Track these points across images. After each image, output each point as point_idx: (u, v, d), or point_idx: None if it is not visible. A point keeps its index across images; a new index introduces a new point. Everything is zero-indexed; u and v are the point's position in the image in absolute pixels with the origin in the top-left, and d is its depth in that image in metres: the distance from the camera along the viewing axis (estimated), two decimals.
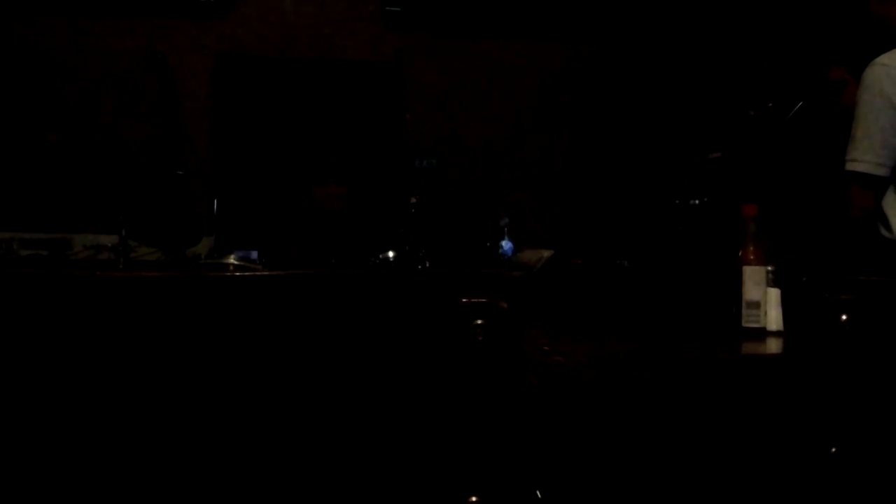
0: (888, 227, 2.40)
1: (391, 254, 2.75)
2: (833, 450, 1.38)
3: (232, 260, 2.48)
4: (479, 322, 0.96)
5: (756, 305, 1.81)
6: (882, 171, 2.36)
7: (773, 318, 1.80)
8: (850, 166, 2.40)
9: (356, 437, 0.96)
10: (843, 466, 1.38)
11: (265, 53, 4.24)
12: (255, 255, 2.80)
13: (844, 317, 1.44)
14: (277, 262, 2.84)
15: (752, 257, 1.85)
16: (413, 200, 2.88)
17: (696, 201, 2.66)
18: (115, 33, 4.09)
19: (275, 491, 0.95)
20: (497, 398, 0.98)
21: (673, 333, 1.87)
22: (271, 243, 3.27)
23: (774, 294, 1.81)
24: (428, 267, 2.71)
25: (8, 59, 3.97)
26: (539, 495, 1.15)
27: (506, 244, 2.99)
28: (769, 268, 1.83)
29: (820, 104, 2.77)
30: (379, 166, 4.03)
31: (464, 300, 0.97)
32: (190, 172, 3.71)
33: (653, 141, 4.14)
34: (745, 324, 1.81)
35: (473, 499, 0.96)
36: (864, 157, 2.37)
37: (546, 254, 2.69)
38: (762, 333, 1.79)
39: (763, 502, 1.39)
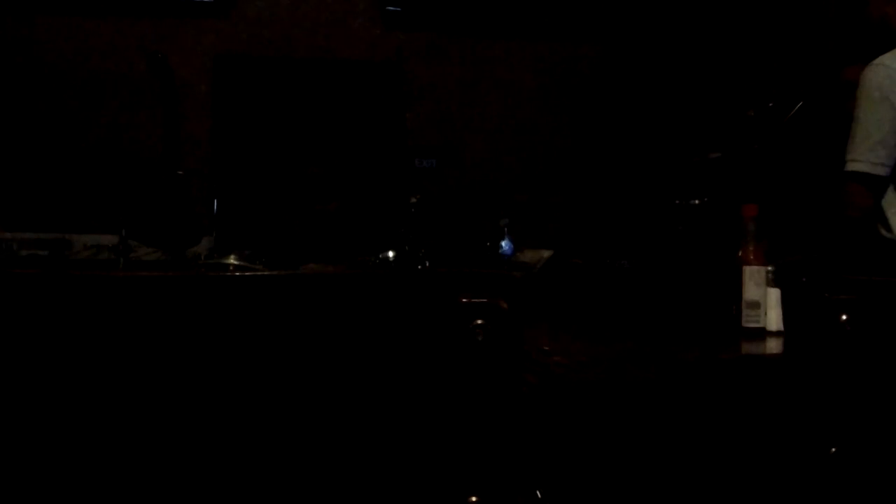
0: (888, 226, 2.40)
1: (391, 254, 2.74)
2: (833, 450, 1.38)
3: (232, 260, 2.48)
4: (479, 322, 0.96)
5: (756, 305, 1.81)
6: (881, 171, 2.36)
7: (773, 318, 1.80)
8: (849, 166, 2.40)
9: (356, 437, 0.96)
10: (843, 466, 1.38)
11: (265, 53, 4.24)
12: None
13: (844, 317, 1.44)
14: (277, 262, 2.84)
15: (752, 257, 1.85)
16: (413, 200, 2.88)
17: (696, 201, 2.66)
18: (115, 33, 4.09)
19: (275, 491, 0.95)
20: (497, 398, 0.98)
21: (673, 333, 1.87)
22: (270, 243, 3.27)
23: (774, 294, 1.81)
24: (428, 267, 2.71)
25: (7, 59, 3.97)
26: (539, 495, 1.15)
27: (506, 244, 2.99)
28: (769, 268, 1.83)
29: (831, 104, 2.76)
30: (379, 166, 4.03)
31: (464, 300, 0.97)
32: (190, 172, 3.70)
33: (653, 141, 4.14)
34: (745, 324, 1.81)
35: (473, 499, 0.96)
36: (863, 157, 2.37)
37: (546, 254, 2.69)
38: (762, 333, 1.78)
39: (763, 502, 1.39)
